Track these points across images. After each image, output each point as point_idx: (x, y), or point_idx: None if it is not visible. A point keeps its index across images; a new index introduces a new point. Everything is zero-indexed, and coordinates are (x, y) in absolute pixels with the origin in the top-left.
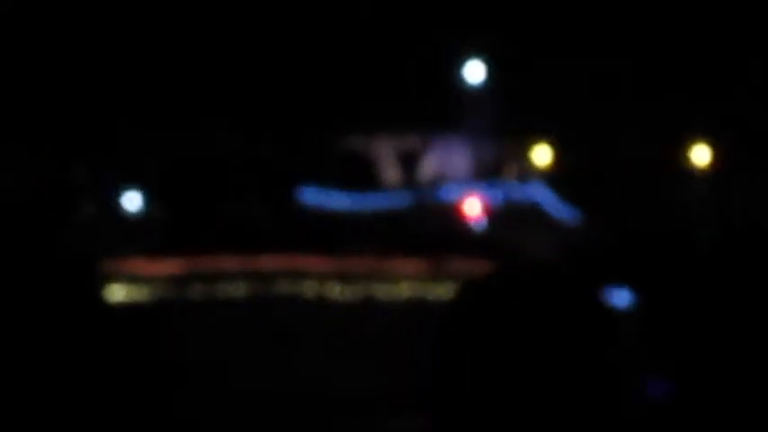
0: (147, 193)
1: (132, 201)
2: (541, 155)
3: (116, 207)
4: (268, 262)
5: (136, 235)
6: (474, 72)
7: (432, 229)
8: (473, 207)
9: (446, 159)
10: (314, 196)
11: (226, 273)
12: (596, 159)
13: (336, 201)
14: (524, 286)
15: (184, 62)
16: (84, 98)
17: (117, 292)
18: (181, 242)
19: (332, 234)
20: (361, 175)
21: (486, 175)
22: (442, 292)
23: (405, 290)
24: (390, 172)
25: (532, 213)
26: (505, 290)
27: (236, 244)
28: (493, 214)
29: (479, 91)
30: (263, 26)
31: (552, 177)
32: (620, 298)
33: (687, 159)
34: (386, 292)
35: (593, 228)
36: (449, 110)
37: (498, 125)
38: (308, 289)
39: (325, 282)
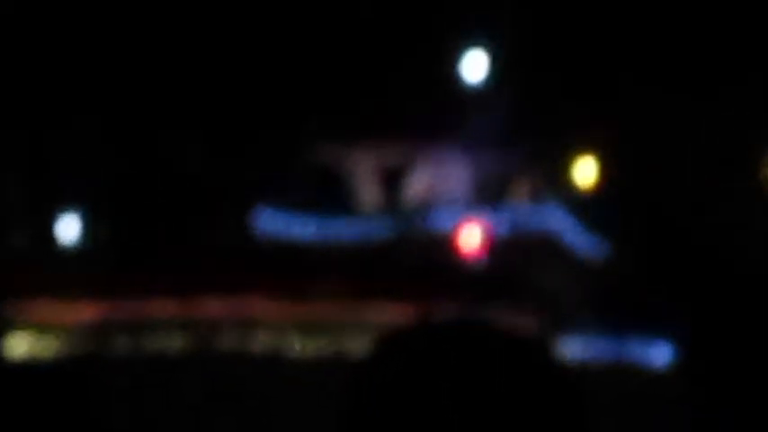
0: (88, 217)
1: (69, 226)
2: (586, 171)
3: (50, 234)
4: (211, 307)
5: (68, 268)
6: (475, 67)
7: (420, 266)
8: (472, 237)
9: (439, 176)
10: (272, 221)
11: (158, 321)
12: (650, 176)
13: (300, 227)
14: (449, 347)
15: (128, 62)
16: (17, 104)
17: (18, 345)
18: (103, 281)
19: (293, 271)
20: (332, 196)
21: (489, 196)
22: None
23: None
24: (369, 192)
25: (548, 246)
26: (427, 351)
27: (173, 283)
28: (497, 247)
29: (481, 90)
30: (221, 20)
31: (594, 199)
32: (659, 354)
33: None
34: (361, 346)
35: (625, 264)
36: (443, 114)
37: (505, 133)
38: (261, 342)
39: (282, 333)
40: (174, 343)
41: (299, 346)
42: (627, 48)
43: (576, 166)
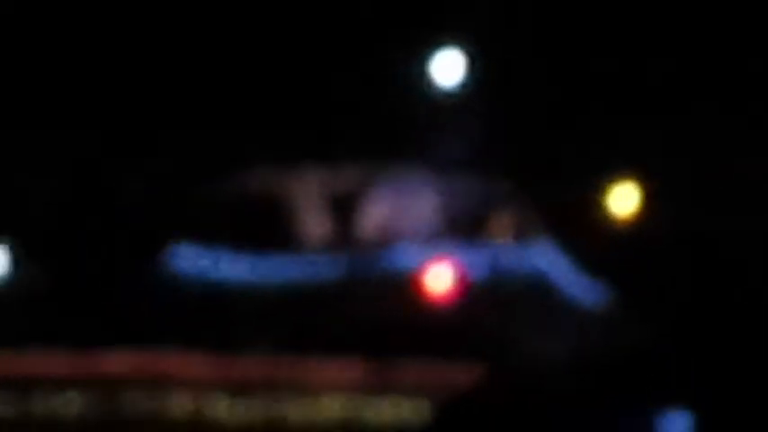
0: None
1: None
2: (625, 199)
3: None
4: (115, 364)
5: None
6: (447, 69)
7: (374, 315)
8: (441, 279)
9: (401, 205)
10: (192, 259)
11: (49, 379)
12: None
13: (227, 267)
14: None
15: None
16: None
17: None
18: None
19: (217, 319)
20: (268, 229)
21: (463, 230)
22: (387, 413)
23: (329, 409)
24: (315, 224)
25: (535, 291)
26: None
27: (67, 334)
28: (471, 291)
29: (454, 97)
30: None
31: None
32: (674, 426)
33: None
34: (301, 411)
35: (631, 317)
36: (407, 127)
37: (486, 152)
38: (178, 405)
39: (204, 394)
40: (69, 407)
41: (225, 410)
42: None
43: (612, 194)
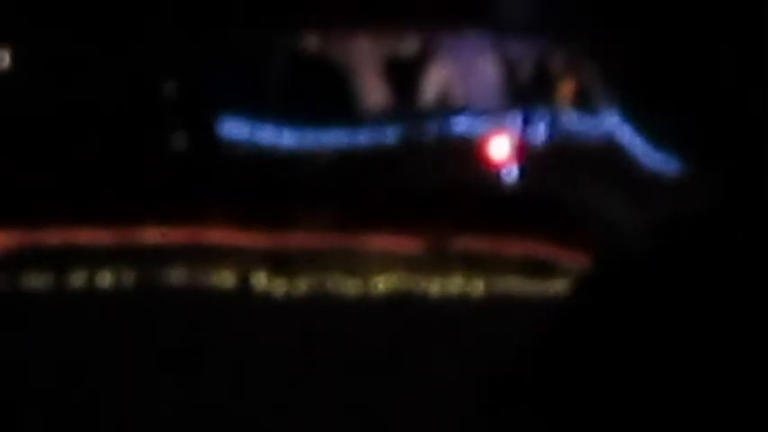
0: None
1: None
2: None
3: None
4: (155, 235)
5: None
6: None
7: (432, 183)
8: (502, 146)
9: (461, 71)
10: (242, 128)
11: (85, 251)
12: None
13: (279, 135)
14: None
15: None
16: None
17: None
18: (19, 200)
19: (268, 190)
20: (321, 94)
21: (525, 97)
22: (447, 286)
23: (384, 282)
24: (373, 90)
25: (604, 159)
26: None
27: (106, 204)
28: (536, 159)
29: None
30: None
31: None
32: None
33: None
34: (353, 285)
35: (706, 185)
36: None
37: (547, 15)
38: (223, 279)
39: (249, 267)
40: (107, 280)
41: (270, 285)
42: None
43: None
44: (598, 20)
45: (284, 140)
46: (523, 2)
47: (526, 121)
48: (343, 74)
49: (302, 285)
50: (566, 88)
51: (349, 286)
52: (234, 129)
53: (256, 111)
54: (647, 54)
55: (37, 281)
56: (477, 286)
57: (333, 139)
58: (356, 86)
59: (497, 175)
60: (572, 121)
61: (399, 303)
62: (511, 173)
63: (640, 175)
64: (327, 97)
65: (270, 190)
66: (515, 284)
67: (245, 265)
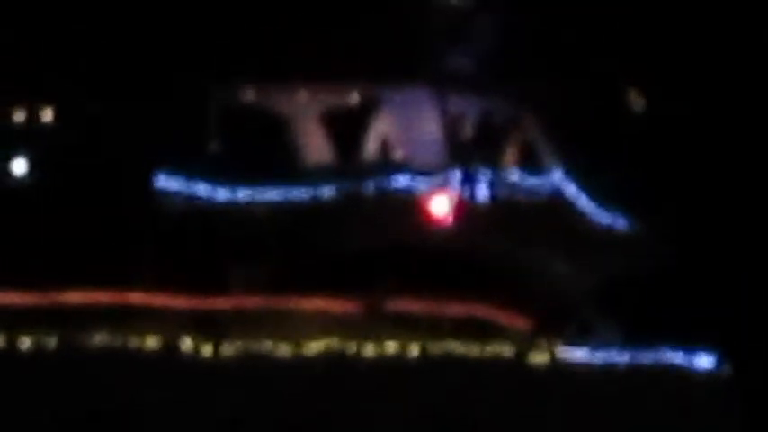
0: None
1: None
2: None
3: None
4: (77, 296)
5: None
6: None
7: (371, 240)
8: (442, 204)
9: (403, 126)
10: (178, 183)
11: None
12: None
13: (215, 190)
14: None
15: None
16: None
17: None
18: None
19: (196, 248)
20: (259, 149)
21: (468, 153)
22: (381, 347)
23: (316, 344)
24: (310, 143)
25: (550, 215)
26: None
27: (28, 265)
28: (476, 215)
29: (464, 8)
30: None
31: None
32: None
33: None
34: (283, 347)
35: (656, 241)
36: (412, 43)
37: (495, 67)
38: (148, 340)
39: (174, 330)
40: (32, 342)
41: (193, 347)
42: None
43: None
44: (541, 74)
45: (219, 195)
46: (466, 58)
47: (467, 179)
48: (281, 128)
49: (231, 346)
50: (511, 145)
51: (281, 349)
52: (169, 183)
53: (191, 166)
54: (592, 108)
55: None
56: (413, 348)
57: (269, 194)
58: (294, 140)
59: (438, 231)
60: (516, 177)
61: (330, 365)
62: (451, 228)
63: (588, 230)
64: (264, 152)
65: (202, 247)
66: (453, 346)
67: (170, 327)
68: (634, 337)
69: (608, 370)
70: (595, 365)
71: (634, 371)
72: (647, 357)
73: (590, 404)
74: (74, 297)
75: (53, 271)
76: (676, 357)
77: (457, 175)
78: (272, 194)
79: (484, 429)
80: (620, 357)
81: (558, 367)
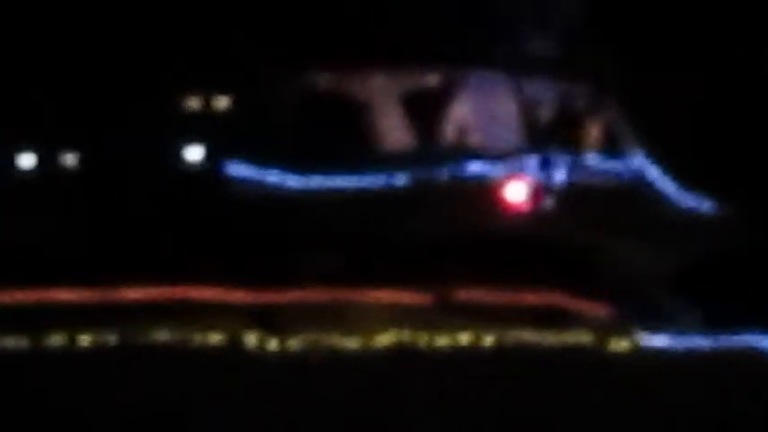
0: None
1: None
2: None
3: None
4: (134, 293)
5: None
6: None
7: (444, 227)
8: (517, 191)
9: (481, 111)
10: (243, 169)
11: (61, 307)
12: None
13: (287, 177)
14: None
15: None
16: None
17: None
18: None
19: (272, 238)
20: (335, 134)
21: (546, 138)
22: (454, 338)
23: (384, 336)
24: (387, 128)
25: (631, 199)
26: None
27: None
28: (552, 201)
29: None
30: None
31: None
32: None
33: None
34: (348, 340)
35: (742, 224)
36: (488, 27)
37: (572, 54)
38: (208, 335)
39: (236, 325)
40: (87, 339)
41: (259, 342)
42: None
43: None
44: (623, 61)
45: (290, 183)
46: (546, 41)
47: (545, 165)
48: (356, 113)
49: (297, 341)
50: (590, 129)
51: (344, 340)
52: (240, 170)
53: (263, 154)
54: (674, 94)
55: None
56: (487, 339)
57: (341, 182)
58: (369, 126)
59: (513, 221)
60: (596, 161)
61: (399, 359)
62: (529, 213)
63: (670, 214)
64: (339, 138)
65: (271, 237)
66: (529, 336)
67: (232, 322)
68: (716, 322)
69: (690, 356)
70: (677, 351)
71: (717, 356)
72: (730, 342)
73: (673, 391)
74: (134, 294)
75: (113, 267)
76: (760, 342)
77: (534, 160)
78: (344, 182)
79: (564, 420)
80: (703, 342)
81: (639, 354)
